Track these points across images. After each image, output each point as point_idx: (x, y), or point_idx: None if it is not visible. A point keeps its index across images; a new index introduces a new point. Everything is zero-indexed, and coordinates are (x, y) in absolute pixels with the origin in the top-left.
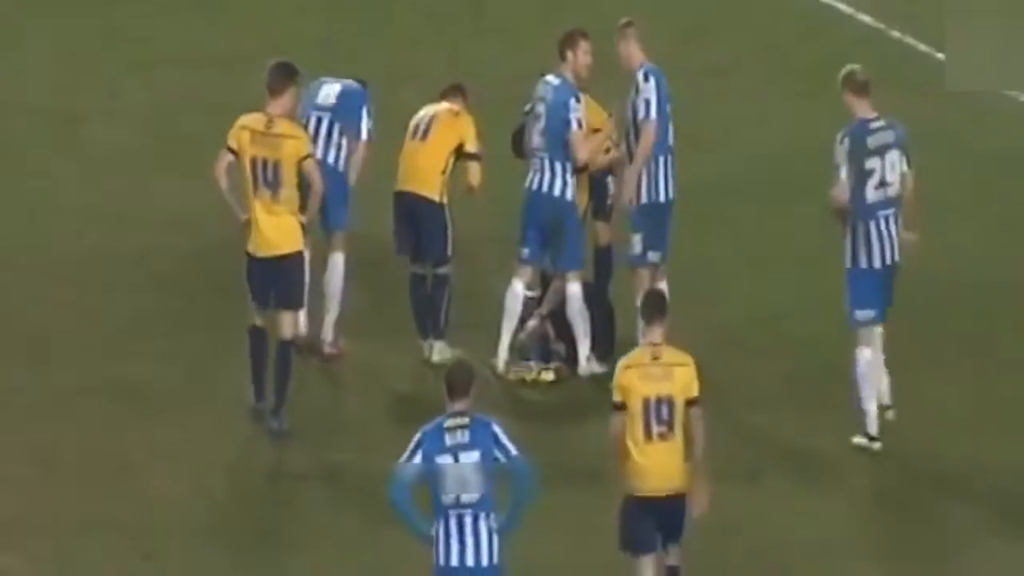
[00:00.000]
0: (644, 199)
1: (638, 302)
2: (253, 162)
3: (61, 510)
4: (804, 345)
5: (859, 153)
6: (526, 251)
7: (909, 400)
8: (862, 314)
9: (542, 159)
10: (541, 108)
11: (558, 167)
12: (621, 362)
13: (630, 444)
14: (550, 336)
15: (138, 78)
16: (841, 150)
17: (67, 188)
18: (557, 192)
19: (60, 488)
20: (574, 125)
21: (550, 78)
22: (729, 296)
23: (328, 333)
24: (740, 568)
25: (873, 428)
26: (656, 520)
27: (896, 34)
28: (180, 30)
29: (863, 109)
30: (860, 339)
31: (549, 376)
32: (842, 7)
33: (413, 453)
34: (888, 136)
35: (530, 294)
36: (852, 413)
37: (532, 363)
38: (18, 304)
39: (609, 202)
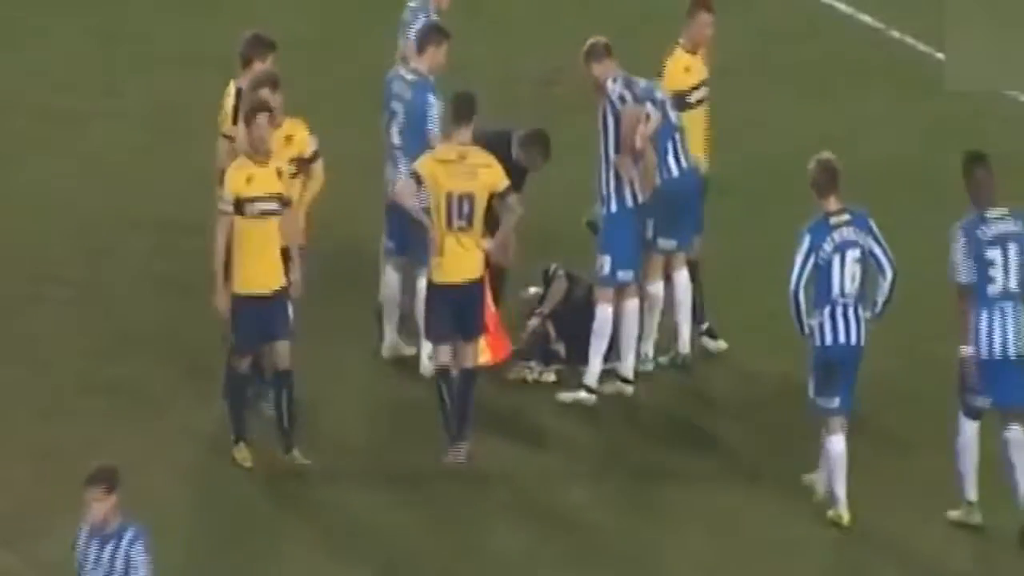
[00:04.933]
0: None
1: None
2: None
3: (61, 510)
4: (804, 345)
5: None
6: (391, 244)
7: (910, 399)
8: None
9: (397, 158)
10: (398, 106)
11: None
12: (429, 154)
13: (433, 235)
14: (551, 336)
15: (138, 78)
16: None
17: (67, 188)
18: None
19: (60, 488)
20: (433, 128)
21: (404, 74)
22: (729, 296)
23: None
24: (740, 568)
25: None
26: (452, 307)
27: (896, 34)
28: (180, 30)
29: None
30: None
31: (551, 377)
32: (842, 7)
33: None
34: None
35: (533, 290)
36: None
37: (533, 363)
38: (18, 304)
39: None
